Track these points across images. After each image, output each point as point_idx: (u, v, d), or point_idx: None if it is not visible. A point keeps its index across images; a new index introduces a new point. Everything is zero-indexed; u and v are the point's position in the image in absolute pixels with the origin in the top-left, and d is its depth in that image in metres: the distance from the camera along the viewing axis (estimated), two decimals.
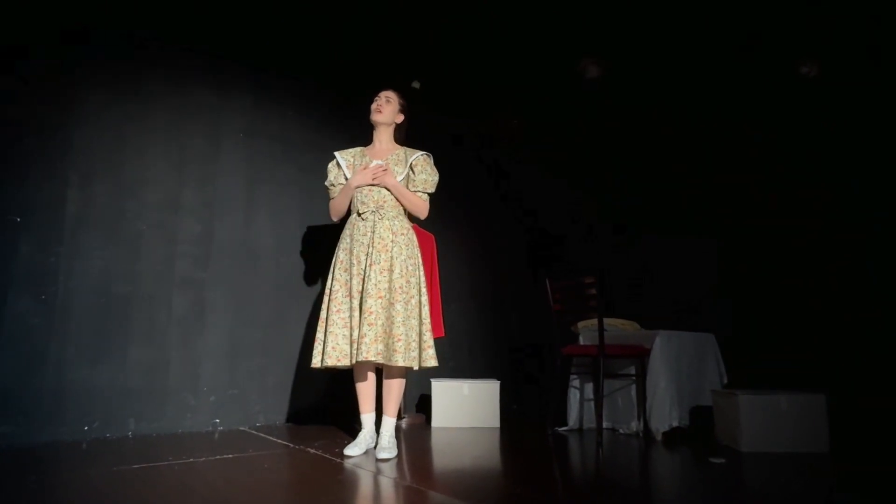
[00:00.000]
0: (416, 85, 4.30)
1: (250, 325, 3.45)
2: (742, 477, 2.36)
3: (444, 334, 3.80)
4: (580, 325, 3.73)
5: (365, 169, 2.69)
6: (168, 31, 3.31)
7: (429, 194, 2.82)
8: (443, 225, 4.33)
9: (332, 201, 2.83)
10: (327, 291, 2.65)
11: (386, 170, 2.67)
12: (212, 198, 3.40)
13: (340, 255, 2.68)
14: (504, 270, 4.90)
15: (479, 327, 4.65)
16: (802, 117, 4.04)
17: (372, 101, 2.81)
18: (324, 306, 2.64)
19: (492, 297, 4.78)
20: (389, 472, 2.28)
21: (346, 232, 2.72)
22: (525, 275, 4.99)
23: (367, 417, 2.70)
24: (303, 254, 3.72)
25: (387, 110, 2.79)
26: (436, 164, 2.87)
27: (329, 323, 2.57)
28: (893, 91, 3.56)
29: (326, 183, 2.87)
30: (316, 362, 2.58)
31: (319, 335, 2.61)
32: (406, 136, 2.92)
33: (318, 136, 3.84)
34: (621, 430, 3.46)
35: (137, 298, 3.07)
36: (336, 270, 2.65)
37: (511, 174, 5.09)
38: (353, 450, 2.54)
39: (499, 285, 4.84)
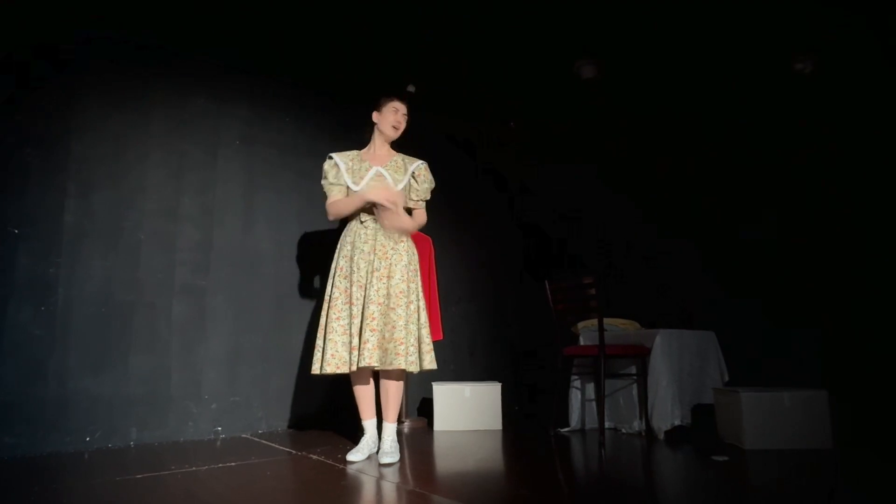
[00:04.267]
0: (411, 89, 4.30)
1: (251, 332, 3.45)
2: (745, 474, 2.36)
3: (442, 337, 3.81)
4: (580, 325, 3.73)
5: (387, 191, 2.59)
6: (166, 40, 3.31)
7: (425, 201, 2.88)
8: (441, 228, 4.33)
9: (334, 203, 2.73)
10: (327, 298, 2.65)
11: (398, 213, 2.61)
12: (211, 205, 3.40)
13: (340, 262, 2.67)
14: (503, 272, 4.90)
15: (479, 330, 4.65)
16: (797, 116, 4.05)
17: (393, 112, 2.77)
18: (323, 313, 2.64)
19: (491, 299, 4.79)
20: (392, 476, 2.28)
21: (347, 238, 2.71)
22: (524, 276, 4.99)
23: (369, 423, 2.70)
24: (302, 259, 3.72)
25: (402, 129, 2.83)
26: (433, 166, 2.90)
27: (328, 330, 2.56)
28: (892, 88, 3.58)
29: (326, 182, 2.77)
30: (315, 369, 2.58)
31: (319, 342, 2.61)
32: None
33: (316, 142, 3.85)
34: (623, 430, 3.46)
35: (138, 307, 3.07)
36: (336, 277, 2.65)
37: (508, 175, 5.10)
38: (356, 455, 2.54)
39: (498, 287, 4.84)
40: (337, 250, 2.73)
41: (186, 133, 3.36)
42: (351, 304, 2.56)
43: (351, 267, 2.61)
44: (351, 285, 2.59)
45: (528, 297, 4.83)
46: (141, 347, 3.06)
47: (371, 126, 2.84)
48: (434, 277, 3.81)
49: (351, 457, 2.53)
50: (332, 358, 2.51)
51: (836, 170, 3.84)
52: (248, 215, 3.54)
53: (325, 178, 2.78)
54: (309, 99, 3.88)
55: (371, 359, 2.45)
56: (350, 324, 2.54)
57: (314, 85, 3.92)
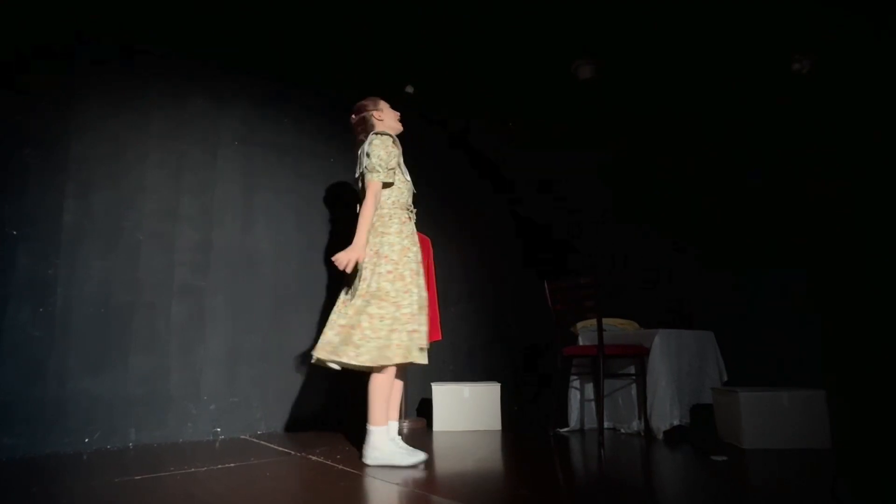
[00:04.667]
0: (409, 90, 4.31)
1: (250, 333, 3.45)
2: (744, 474, 2.36)
3: (441, 338, 3.81)
4: (579, 325, 3.73)
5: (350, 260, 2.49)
6: (165, 40, 3.32)
7: None
8: (439, 228, 4.34)
9: (371, 207, 2.55)
10: (388, 290, 2.49)
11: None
12: (209, 206, 3.40)
13: (411, 255, 2.57)
14: (502, 272, 4.90)
15: (478, 330, 4.65)
16: (798, 115, 4.05)
17: (397, 112, 2.84)
18: (410, 297, 2.49)
19: (490, 300, 4.79)
20: (392, 477, 2.28)
21: (404, 227, 2.60)
22: (523, 276, 4.99)
23: (395, 425, 2.65)
24: (301, 260, 3.72)
25: None
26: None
27: (399, 324, 2.46)
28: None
29: (383, 163, 2.56)
30: (416, 356, 2.46)
31: (412, 324, 2.46)
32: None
33: (315, 142, 3.85)
34: (623, 430, 3.46)
35: (137, 308, 3.07)
36: (413, 263, 2.56)
37: (507, 175, 5.10)
38: (418, 457, 2.49)
39: (497, 287, 4.85)
40: (399, 238, 2.55)
41: (186, 133, 3.36)
42: (409, 297, 2.54)
43: (402, 262, 2.56)
44: (405, 280, 2.54)
45: (526, 297, 4.84)
46: (140, 348, 3.06)
47: (367, 127, 2.76)
48: (433, 277, 3.81)
49: (416, 458, 2.46)
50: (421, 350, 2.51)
51: (837, 170, 3.84)
52: (247, 216, 3.54)
53: (391, 161, 2.59)
54: (308, 99, 3.88)
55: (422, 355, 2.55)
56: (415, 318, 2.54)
57: (314, 85, 3.92)
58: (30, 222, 2.81)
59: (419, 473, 2.38)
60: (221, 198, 3.45)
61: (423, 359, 2.48)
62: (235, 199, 3.51)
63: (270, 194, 3.65)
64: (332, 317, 2.56)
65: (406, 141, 2.92)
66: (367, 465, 2.44)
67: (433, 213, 4.35)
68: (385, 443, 2.46)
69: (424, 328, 2.51)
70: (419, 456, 2.49)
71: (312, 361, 2.52)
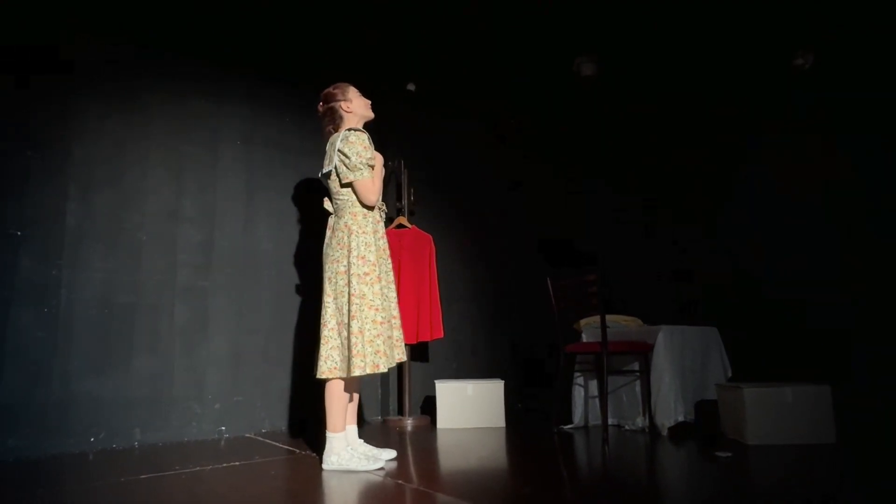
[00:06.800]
0: (411, 87, 4.30)
1: (253, 332, 3.45)
2: (749, 470, 2.36)
3: (443, 335, 3.82)
4: (582, 322, 3.73)
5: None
6: (166, 40, 3.31)
7: None
8: (441, 225, 4.34)
9: (374, 181, 2.51)
10: (364, 293, 2.42)
11: None
12: (211, 206, 3.40)
13: (369, 257, 2.46)
14: (505, 269, 4.90)
15: (481, 327, 4.64)
16: (800, 112, 4.04)
17: (368, 101, 2.69)
18: (357, 314, 2.39)
19: (493, 297, 4.78)
20: (396, 475, 2.29)
21: (368, 228, 2.51)
22: (526, 273, 4.98)
23: (353, 429, 2.61)
24: (303, 259, 3.72)
25: None
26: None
27: (377, 329, 2.41)
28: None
29: (364, 160, 2.47)
30: (361, 367, 2.35)
31: (357, 341, 2.36)
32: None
33: (316, 141, 3.84)
34: (627, 427, 3.46)
35: (140, 308, 3.08)
36: (372, 275, 2.45)
37: (510, 173, 5.09)
38: (379, 462, 2.43)
39: (500, 285, 4.84)
40: (356, 246, 2.46)
41: (187, 134, 3.36)
42: (385, 298, 2.50)
43: (380, 264, 2.50)
44: (381, 282, 2.48)
45: (530, 294, 4.83)
46: (143, 349, 3.06)
47: (335, 118, 2.63)
48: (435, 275, 3.81)
49: (375, 465, 2.40)
50: (378, 356, 2.40)
51: (837, 165, 3.83)
52: (248, 215, 3.54)
53: (369, 156, 2.49)
54: (309, 98, 3.86)
55: (404, 354, 2.56)
56: (391, 322, 2.53)
57: (314, 85, 3.89)
58: (32, 223, 2.82)
59: (424, 470, 2.38)
60: (223, 198, 3.45)
61: (403, 358, 2.59)
62: (237, 199, 3.51)
63: (273, 194, 3.65)
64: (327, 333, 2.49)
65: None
66: (324, 470, 2.38)
67: (435, 211, 4.35)
68: (343, 448, 2.41)
69: (399, 332, 2.59)
70: (380, 461, 2.43)
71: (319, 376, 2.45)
